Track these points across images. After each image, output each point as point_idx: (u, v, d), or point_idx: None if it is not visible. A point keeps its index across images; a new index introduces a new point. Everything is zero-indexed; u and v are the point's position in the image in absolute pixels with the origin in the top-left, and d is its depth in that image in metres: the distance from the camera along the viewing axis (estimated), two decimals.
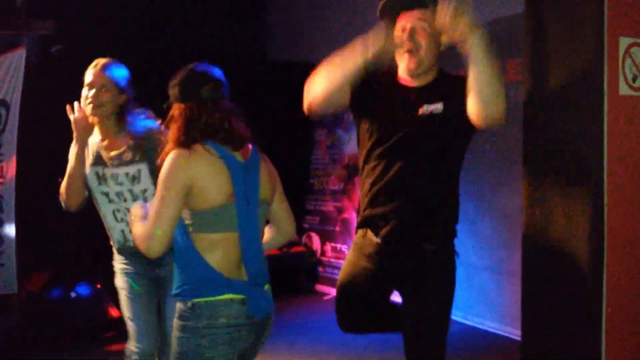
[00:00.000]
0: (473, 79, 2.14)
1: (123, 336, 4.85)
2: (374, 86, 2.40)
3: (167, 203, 1.97)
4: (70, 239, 5.42)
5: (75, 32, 5.08)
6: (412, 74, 2.32)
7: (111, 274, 4.92)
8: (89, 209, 5.91)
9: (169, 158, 2.02)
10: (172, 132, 2.08)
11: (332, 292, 6.14)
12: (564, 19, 2.48)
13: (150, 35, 5.94)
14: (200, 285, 2.01)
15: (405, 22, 2.29)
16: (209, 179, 2.00)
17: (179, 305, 2.05)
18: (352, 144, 6.23)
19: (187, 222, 2.03)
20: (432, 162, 2.30)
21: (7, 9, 4.66)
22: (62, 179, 5.10)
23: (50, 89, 4.95)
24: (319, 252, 6.48)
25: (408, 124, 2.28)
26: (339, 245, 6.22)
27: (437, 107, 2.26)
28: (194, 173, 1.98)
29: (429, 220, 2.32)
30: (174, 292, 2.06)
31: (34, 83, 4.55)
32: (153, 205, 2.00)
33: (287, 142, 6.49)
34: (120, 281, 2.90)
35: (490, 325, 4.71)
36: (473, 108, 2.18)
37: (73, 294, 4.93)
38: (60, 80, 5.08)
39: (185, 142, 2.03)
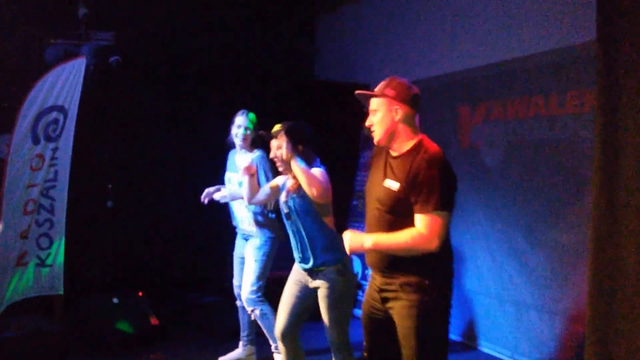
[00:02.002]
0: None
1: (160, 345, 4.94)
2: None
3: None
4: (116, 245, 5.54)
5: (133, 45, 5.23)
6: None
7: (153, 282, 5.02)
8: (136, 218, 6.04)
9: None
10: None
11: None
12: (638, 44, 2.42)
13: (204, 53, 6.08)
14: None
15: (370, 107, 2.85)
16: None
17: None
18: None
19: None
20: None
21: (70, 19, 4.84)
22: (112, 185, 5.24)
23: (106, 98, 5.10)
24: (359, 275, 6.42)
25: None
26: None
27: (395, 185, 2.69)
28: None
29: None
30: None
31: (91, 92, 4.69)
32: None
33: (332, 162, 6.49)
34: None
35: None
36: None
37: (115, 300, 5.00)
38: (116, 90, 5.25)
39: None
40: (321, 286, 3.43)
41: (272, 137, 3.57)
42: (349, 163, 6.60)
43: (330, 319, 3.43)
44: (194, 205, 6.21)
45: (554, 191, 4.41)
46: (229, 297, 5.98)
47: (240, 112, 4.38)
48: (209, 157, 6.01)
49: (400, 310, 2.67)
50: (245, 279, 4.30)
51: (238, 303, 4.57)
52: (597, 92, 2.63)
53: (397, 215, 2.66)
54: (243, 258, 4.48)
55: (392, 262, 2.70)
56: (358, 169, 6.68)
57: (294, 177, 3.44)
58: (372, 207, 2.79)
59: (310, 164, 3.43)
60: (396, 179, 2.67)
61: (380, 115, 2.76)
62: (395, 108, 2.73)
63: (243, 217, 4.44)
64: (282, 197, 3.58)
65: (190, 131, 5.98)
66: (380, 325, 2.80)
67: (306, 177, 3.31)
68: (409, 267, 2.65)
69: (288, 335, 3.58)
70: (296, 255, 3.56)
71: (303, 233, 3.46)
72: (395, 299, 2.69)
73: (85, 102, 4.63)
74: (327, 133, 6.50)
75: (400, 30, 6.19)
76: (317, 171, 3.40)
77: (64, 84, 4.56)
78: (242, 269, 4.48)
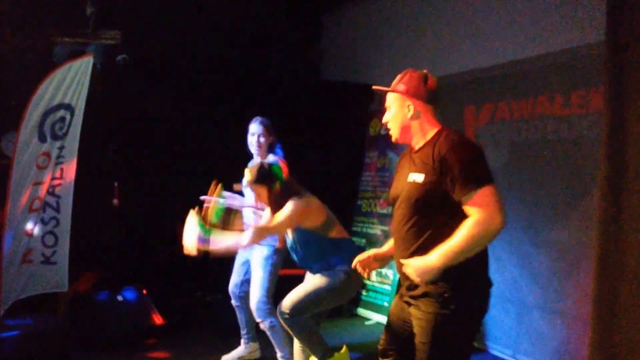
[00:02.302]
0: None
1: (164, 343, 4.95)
2: None
3: None
4: (121, 243, 5.56)
5: (140, 44, 5.25)
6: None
7: (156, 280, 5.03)
8: (141, 216, 6.05)
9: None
10: None
11: (374, 316, 6.07)
12: None
13: (210, 53, 6.09)
14: None
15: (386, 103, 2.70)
16: None
17: None
18: None
19: None
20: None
21: (77, 18, 4.86)
22: (118, 183, 5.26)
23: (113, 97, 5.13)
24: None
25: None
26: (383, 270, 6.16)
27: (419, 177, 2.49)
28: None
29: None
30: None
31: (98, 90, 4.72)
32: None
33: (337, 162, 6.51)
34: None
35: None
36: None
37: (119, 298, 5.02)
38: (123, 89, 5.27)
39: None
40: (320, 273, 3.58)
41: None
42: (354, 163, 6.62)
43: (307, 291, 3.53)
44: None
45: (559, 191, 4.42)
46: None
47: (253, 120, 4.37)
48: (215, 156, 6.04)
49: (417, 322, 2.49)
50: (254, 290, 4.24)
51: (233, 302, 4.56)
52: (604, 93, 2.64)
53: (424, 215, 2.45)
54: (246, 261, 4.46)
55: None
56: (363, 169, 6.70)
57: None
58: (397, 212, 2.59)
59: (290, 196, 3.55)
60: (419, 171, 2.47)
61: (394, 111, 2.62)
62: (407, 104, 2.57)
63: (252, 223, 4.42)
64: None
65: (196, 130, 6.00)
66: (403, 325, 2.63)
67: (286, 222, 3.52)
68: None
69: None
70: (305, 266, 3.72)
71: (299, 248, 3.62)
72: (415, 307, 2.50)
73: (92, 101, 4.65)
74: (333, 133, 6.54)
75: (406, 31, 6.21)
76: (288, 206, 3.51)
77: (71, 82, 4.59)
78: (241, 271, 4.50)
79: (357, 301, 6.37)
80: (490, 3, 5.24)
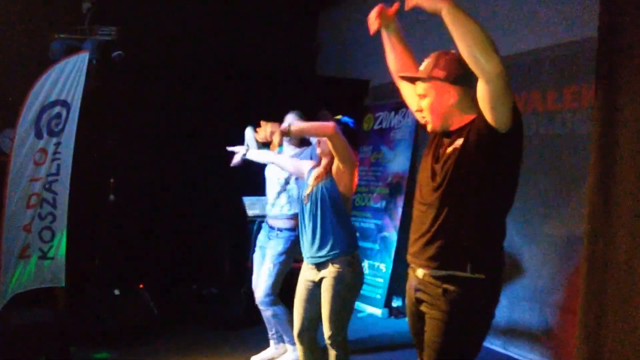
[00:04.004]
0: (459, 50, 2.15)
1: (160, 336, 4.99)
2: None
3: None
4: (118, 238, 5.59)
5: (136, 40, 5.27)
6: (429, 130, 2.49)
7: (153, 274, 5.03)
8: (137, 211, 6.08)
9: None
10: None
11: (367, 309, 6.14)
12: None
13: (207, 48, 6.11)
14: None
15: (416, 90, 2.47)
16: None
17: None
18: (396, 163, 6.27)
19: None
20: None
21: (73, 14, 4.88)
22: (114, 179, 5.28)
23: (109, 93, 5.14)
24: (365, 269, 6.48)
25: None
26: (377, 263, 6.22)
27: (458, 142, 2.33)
28: None
29: None
30: None
31: (94, 86, 4.74)
32: None
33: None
34: None
35: (529, 357, 4.63)
36: (480, 90, 2.19)
37: (116, 292, 5.06)
38: (119, 85, 5.29)
39: None
40: (327, 275, 3.33)
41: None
42: None
43: (332, 310, 3.31)
44: (194, 198, 6.29)
45: (550, 185, 4.49)
46: (228, 288, 6.06)
47: (290, 112, 4.49)
48: (211, 151, 6.07)
49: (430, 321, 2.38)
50: (261, 281, 4.36)
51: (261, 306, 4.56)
52: (596, 89, 2.68)
53: (451, 203, 2.31)
54: (263, 249, 4.53)
55: (439, 254, 2.34)
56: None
57: (323, 167, 3.46)
58: (420, 201, 2.46)
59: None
60: (458, 139, 2.31)
61: (430, 100, 2.38)
62: (448, 90, 2.34)
63: (275, 201, 4.54)
64: (307, 184, 3.56)
65: (192, 126, 6.03)
66: (419, 321, 2.51)
67: (311, 127, 3.35)
68: (459, 258, 2.30)
69: (304, 335, 3.54)
70: (307, 244, 3.46)
71: (323, 222, 3.36)
72: (430, 304, 2.38)
73: (88, 97, 4.66)
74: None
75: (402, 27, 6.25)
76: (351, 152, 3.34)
77: (67, 78, 4.59)
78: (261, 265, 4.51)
79: None
80: (483, 0, 5.28)
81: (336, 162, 3.35)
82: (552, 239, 4.45)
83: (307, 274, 3.50)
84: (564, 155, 4.40)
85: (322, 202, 3.38)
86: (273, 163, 4.22)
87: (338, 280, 3.31)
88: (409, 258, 2.50)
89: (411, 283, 2.51)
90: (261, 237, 4.62)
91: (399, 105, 6.27)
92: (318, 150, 3.55)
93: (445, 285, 2.31)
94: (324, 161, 3.49)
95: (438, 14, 2.15)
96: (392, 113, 6.45)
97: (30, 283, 4.61)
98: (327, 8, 7.52)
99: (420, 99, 2.42)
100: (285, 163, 4.02)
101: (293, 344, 4.25)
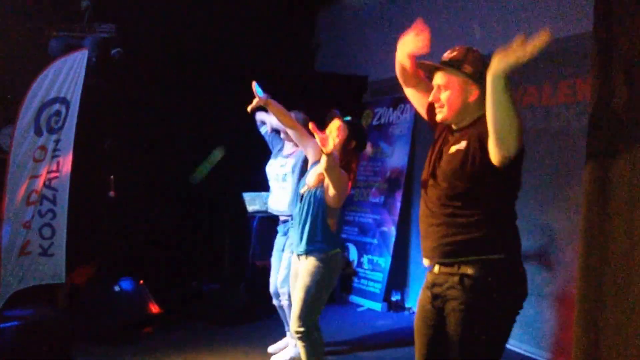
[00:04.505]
0: (488, 116, 2.17)
1: (161, 333, 5.02)
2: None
3: None
4: (117, 235, 5.61)
5: (135, 37, 5.29)
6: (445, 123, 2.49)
7: (153, 270, 5.02)
8: (137, 208, 6.10)
9: None
10: None
11: (366, 303, 6.17)
12: (634, 37, 2.48)
13: (205, 45, 6.12)
14: None
15: (435, 81, 2.47)
16: None
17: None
18: (395, 158, 6.29)
19: None
20: None
21: (72, 12, 4.89)
22: (113, 176, 5.30)
23: (108, 90, 5.16)
24: (355, 263, 6.52)
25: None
26: (375, 258, 6.25)
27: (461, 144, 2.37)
28: None
29: None
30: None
31: (93, 84, 4.75)
32: None
33: None
34: None
35: (526, 349, 4.66)
36: (490, 145, 2.22)
37: (117, 288, 5.08)
38: (118, 82, 5.30)
39: None
40: (302, 267, 3.59)
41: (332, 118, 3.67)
42: None
43: (300, 299, 3.55)
44: (194, 194, 6.30)
45: (547, 179, 4.52)
46: (228, 284, 6.09)
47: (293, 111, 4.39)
48: (209, 148, 6.09)
49: (450, 312, 2.35)
50: (279, 271, 4.50)
51: (275, 302, 4.64)
52: (591, 83, 2.70)
53: (460, 197, 2.34)
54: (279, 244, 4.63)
55: (453, 246, 2.35)
56: None
57: (322, 173, 3.48)
58: (427, 197, 2.45)
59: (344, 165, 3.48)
60: (461, 140, 2.35)
61: (450, 94, 2.40)
62: (471, 88, 2.37)
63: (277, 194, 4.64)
64: (306, 180, 3.70)
65: (191, 122, 6.04)
66: (434, 329, 2.45)
67: (338, 178, 3.36)
68: (474, 245, 2.32)
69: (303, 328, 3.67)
70: (295, 236, 3.69)
71: (307, 220, 3.58)
72: (449, 297, 2.35)
73: (87, 94, 4.68)
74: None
75: (401, 23, 6.24)
76: (344, 177, 3.46)
77: (66, 76, 4.61)
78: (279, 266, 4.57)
79: (349, 289, 6.47)
80: None
81: (326, 181, 3.44)
82: (549, 231, 4.49)
83: (296, 266, 3.73)
84: (559, 148, 4.43)
85: (312, 205, 3.58)
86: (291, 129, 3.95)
87: (310, 273, 3.55)
88: (424, 256, 2.50)
89: (427, 283, 2.50)
90: (278, 241, 4.71)
91: (398, 100, 6.29)
92: (310, 158, 3.76)
93: (462, 271, 2.32)
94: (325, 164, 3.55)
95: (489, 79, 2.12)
96: (391, 109, 6.47)
97: (31, 280, 4.62)
98: (326, 4, 7.54)
99: (439, 91, 2.43)
100: (298, 131, 3.87)
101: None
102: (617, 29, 2.57)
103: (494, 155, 2.21)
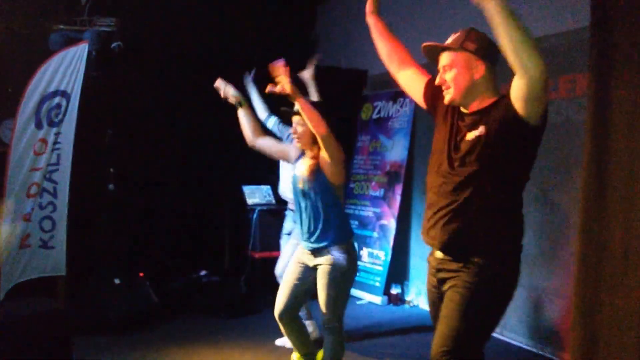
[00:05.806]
0: (501, 45, 2.15)
1: (161, 325, 5.04)
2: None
3: None
4: (117, 227, 5.62)
5: (135, 31, 5.28)
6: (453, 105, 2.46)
7: (153, 263, 5.01)
8: (137, 201, 6.10)
9: None
10: None
11: (366, 296, 6.19)
12: (631, 33, 2.48)
13: (205, 39, 6.12)
14: None
15: (440, 63, 2.46)
16: None
17: None
18: (395, 152, 6.30)
19: None
20: None
21: (72, 5, 4.89)
22: (113, 168, 5.30)
23: (108, 83, 5.17)
24: (358, 255, 6.52)
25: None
26: (375, 251, 6.27)
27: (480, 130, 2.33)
28: None
29: None
30: None
31: (93, 77, 4.76)
32: None
33: None
34: None
35: (524, 342, 4.69)
36: (514, 82, 2.20)
37: (117, 281, 5.10)
38: (118, 76, 5.31)
39: None
40: (323, 263, 3.40)
41: (294, 113, 3.52)
42: (346, 147, 6.69)
43: (329, 296, 3.38)
44: (194, 187, 6.32)
45: (546, 173, 4.52)
46: (228, 276, 6.11)
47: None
48: (210, 141, 6.10)
49: (449, 289, 2.39)
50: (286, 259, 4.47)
51: (280, 282, 4.65)
52: (590, 78, 2.71)
53: (470, 189, 2.32)
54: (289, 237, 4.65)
55: (459, 232, 2.36)
56: (355, 152, 6.79)
57: (312, 158, 3.43)
58: (436, 183, 2.44)
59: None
60: (479, 126, 2.32)
61: (456, 72, 2.39)
62: (476, 64, 2.36)
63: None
64: (299, 174, 3.53)
65: (191, 116, 6.05)
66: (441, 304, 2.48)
67: (312, 114, 3.23)
68: (479, 241, 2.35)
69: (286, 315, 3.59)
70: (304, 232, 3.51)
71: (318, 216, 3.42)
72: (453, 279, 2.38)
73: (88, 87, 4.69)
74: (326, 117, 6.59)
75: (400, 17, 6.26)
76: (324, 123, 3.34)
77: (66, 69, 4.63)
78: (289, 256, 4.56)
79: None
80: None
81: (323, 153, 3.37)
82: (548, 225, 4.50)
83: (302, 257, 3.56)
84: (559, 142, 4.43)
85: (316, 199, 3.42)
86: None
87: (334, 267, 3.37)
88: (426, 240, 2.49)
89: (431, 268, 2.51)
90: (287, 225, 4.71)
91: (397, 94, 6.29)
92: (297, 144, 3.56)
93: (470, 257, 2.33)
94: (310, 153, 3.48)
95: (483, 7, 2.13)
96: (390, 102, 6.48)
97: (31, 272, 4.65)
98: None
99: (444, 72, 2.42)
100: (271, 147, 3.76)
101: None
102: (614, 23, 2.58)
103: (523, 83, 2.15)
